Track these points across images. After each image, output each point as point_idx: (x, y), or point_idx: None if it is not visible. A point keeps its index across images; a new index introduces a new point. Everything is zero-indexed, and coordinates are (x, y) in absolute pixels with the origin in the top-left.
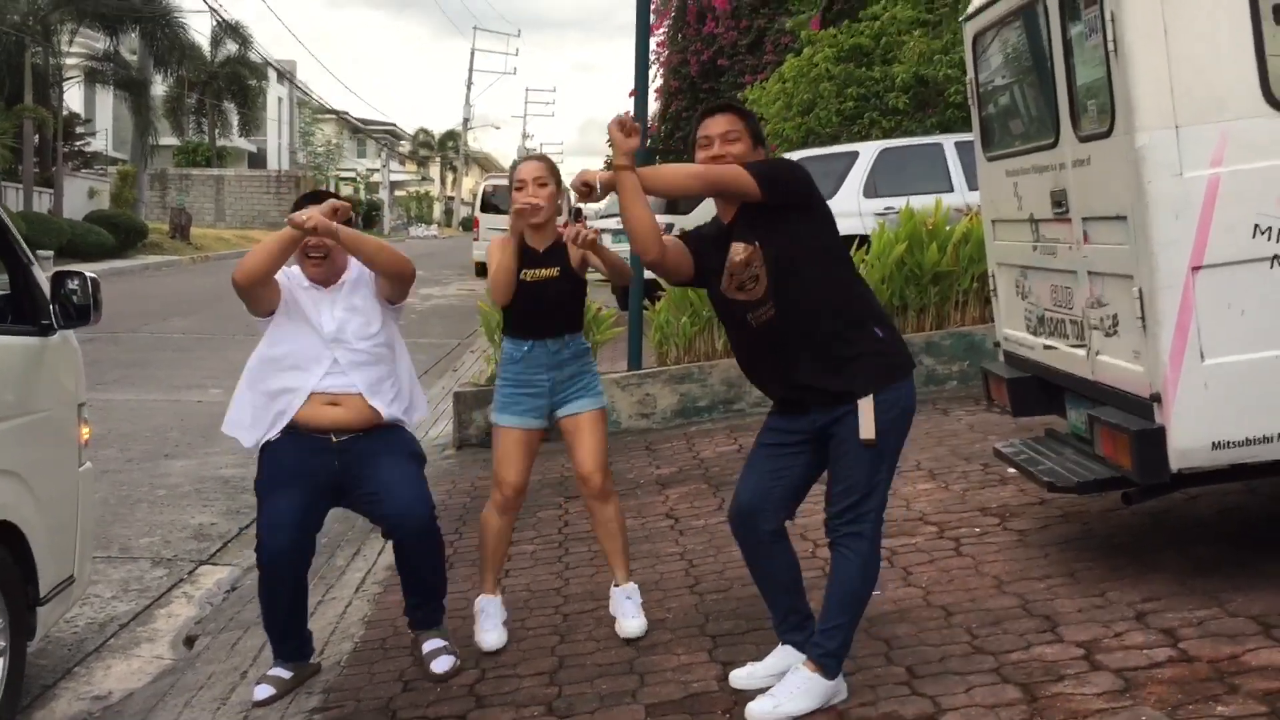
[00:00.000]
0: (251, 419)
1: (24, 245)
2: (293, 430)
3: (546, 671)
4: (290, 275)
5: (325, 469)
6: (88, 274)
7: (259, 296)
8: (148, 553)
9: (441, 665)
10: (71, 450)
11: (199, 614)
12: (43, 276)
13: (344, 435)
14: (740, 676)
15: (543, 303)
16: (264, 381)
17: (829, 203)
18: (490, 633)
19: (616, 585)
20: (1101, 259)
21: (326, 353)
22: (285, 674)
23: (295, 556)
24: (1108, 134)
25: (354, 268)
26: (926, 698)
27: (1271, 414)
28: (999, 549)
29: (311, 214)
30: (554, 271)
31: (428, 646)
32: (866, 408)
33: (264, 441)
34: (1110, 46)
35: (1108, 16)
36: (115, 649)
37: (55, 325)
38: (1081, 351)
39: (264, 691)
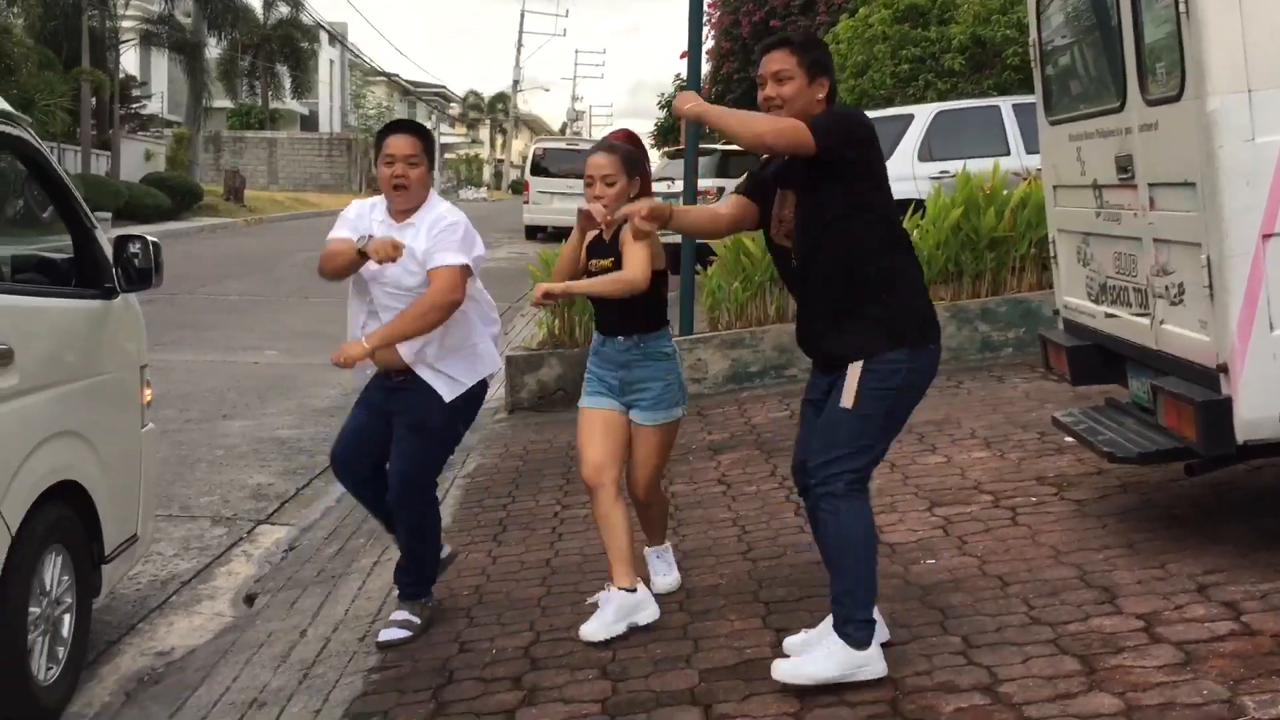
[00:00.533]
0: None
1: (87, 211)
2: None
3: None
4: (371, 210)
5: (382, 404)
6: (149, 238)
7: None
8: (207, 512)
9: (385, 634)
10: (135, 412)
11: (258, 572)
12: (105, 241)
13: (398, 375)
14: (794, 643)
15: (606, 299)
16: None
17: None
18: (657, 578)
19: (648, 546)
20: (1168, 226)
21: (367, 293)
22: (415, 618)
23: (349, 463)
24: (1177, 98)
25: (430, 212)
26: (983, 668)
27: None
28: (1056, 519)
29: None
30: (608, 263)
31: (392, 614)
32: (853, 373)
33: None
34: (1181, 7)
35: None
36: (177, 606)
37: (118, 289)
38: (1145, 320)
39: (394, 634)
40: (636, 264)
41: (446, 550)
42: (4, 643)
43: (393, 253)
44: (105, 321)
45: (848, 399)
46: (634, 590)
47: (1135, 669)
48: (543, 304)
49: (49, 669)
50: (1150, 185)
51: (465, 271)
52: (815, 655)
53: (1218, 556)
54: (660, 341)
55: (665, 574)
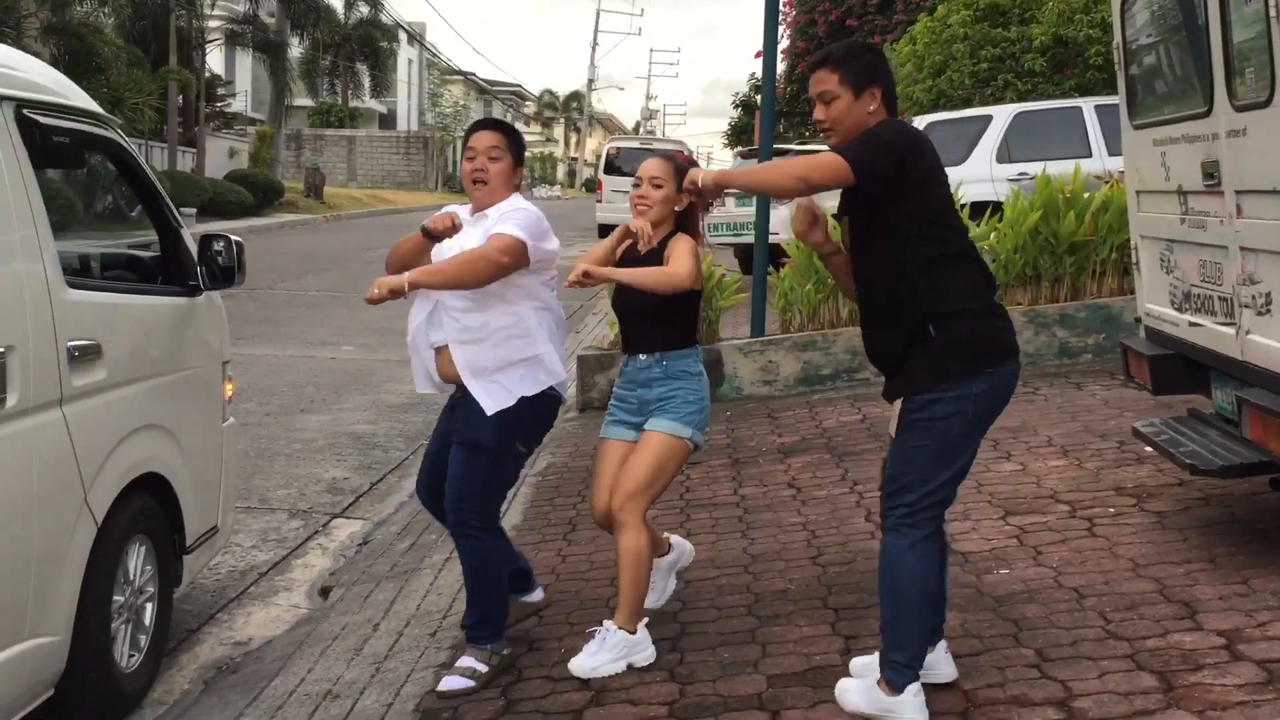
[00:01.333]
0: (421, 365)
1: (174, 210)
2: (439, 377)
3: (669, 638)
4: (458, 212)
5: (448, 421)
6: (233, 237)
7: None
8: (285, 504)
9: (446, 683)
10: (217, 406)
11: (333, 565)
12: (190, 239)
13: (457, 394)
14: (859, 665)
15: (633, 310)
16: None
17: (960, 168)
18: (581, 657)
19: (606, 621)
20: (1256, 234)
21: (430, 294)
22: (481, 666)
23: (428, 488)
24: (1267, 103)
25: (503, 206)
26: (1057, 682)
27: None
28: (1135, 531)
29: (439, 219)
30: None
31: (458, 661)
32: (896, 407)
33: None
34: (1272, 11)
35: None
36: (255, 597)
37: (202, 286)
38: (1230, 330)
39: (457, 683)
40: (683, 262)
41: (539, 594)
42: (89, 629)
43: (450, 221)
44: (189, 318)
45: (894, 428)
46: (634, 632)
47: (1215, 687)
48: (581, 284)
49: (131, 656)
50: (1237, 192)
51: (523, 245)
52: (863, 684)
53: None
54: (686, 361)
55: (587, 653)
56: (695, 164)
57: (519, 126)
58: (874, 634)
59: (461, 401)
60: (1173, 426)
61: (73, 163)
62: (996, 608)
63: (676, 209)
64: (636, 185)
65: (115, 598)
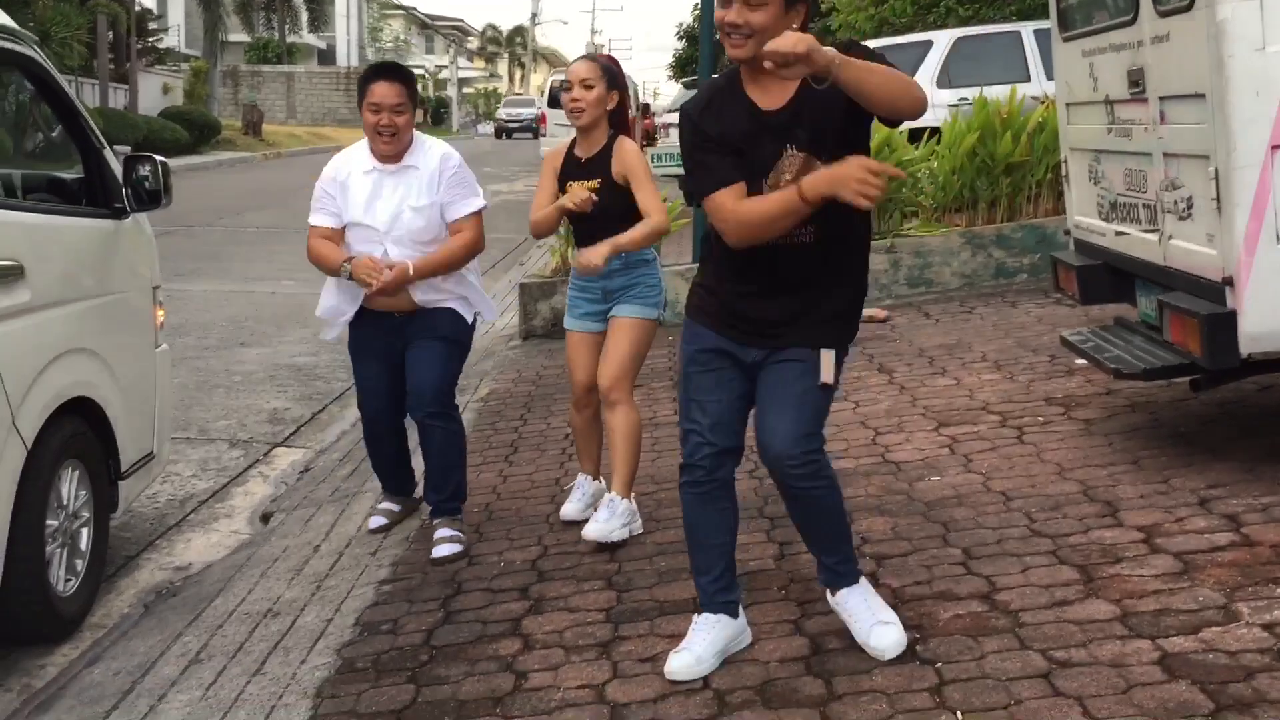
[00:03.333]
0: (337, 299)
1: (96, 130)
2: (365, 308)
3: (608, 549)
4: (348, 162)
5: (392, 344)
6: (158, 158)
7: None
8: (225, 435)
9: (441, 550)
10: (147, 331)
11: (274, 492)
12: (115, 161)
13: (404, 313)
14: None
15: (594, 226)
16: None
17: None
18: (570, 504)
19: (608, 492)
20: (1178, 139)
21: (379, 246)
22: (395, 507)
23: (388, 414)
24: (1189, 7)
25: (427, 159)
26: (982, 577)
27: None
28: (1062, 437)
29: (377, 276)
30: (594, 184)
31: (435, 533)
32: (826, 355)
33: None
34: None
35: None
36: (195, 524)
37: (128, 209)
38: (1154, 236)
39: (378, 521)
40: (657, 206)
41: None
42: (23, 553)
43: (375, 276)
44: (116, 241)
45: (827, 375)
46: (600, 481)
47: (1132, 577)
48: (582, 207)
49: (68, 580)
50: (1161, 99)
51: (479, 223)
52: (890, 616)
53: (1221, 471)
54: (640, 250)
55: (601, 519)
56: (616, 62)
57: (462, 62)
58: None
59: (408, 320)
60: (1099, 335)
61: None
62: (926, 512)
63: (608, 108)
64: (567, 89)
65: (49, 521)
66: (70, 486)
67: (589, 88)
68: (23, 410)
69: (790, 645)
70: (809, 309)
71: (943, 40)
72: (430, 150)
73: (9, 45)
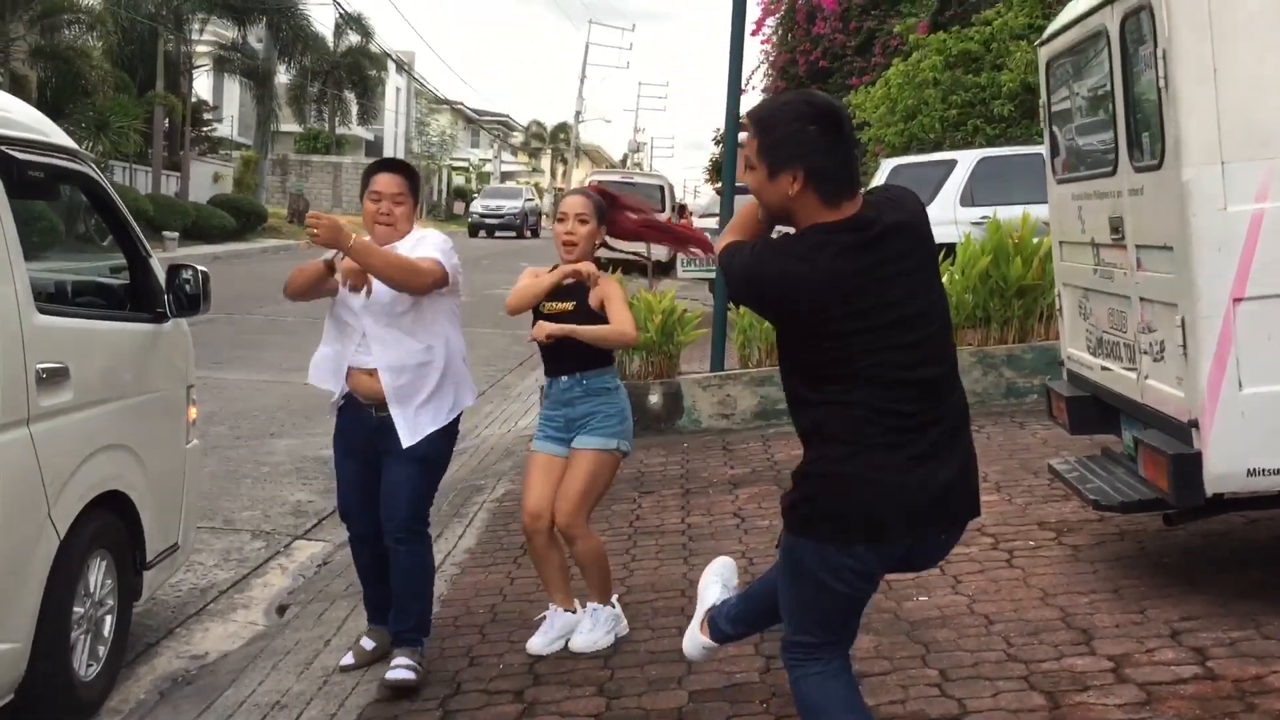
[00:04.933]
0: (330, 370)
1: (143, 240)
2: (349, 394)
3: (602, 655)
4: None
5: (369, 443)
6: (199, 268)
7: (314, 296)
8: (249, 525)
9: (395, 674)
10: (180, 428)
11: (292, 585)
12: (159, 268)
13: (383, 411)
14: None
15: (555, 343)
16: (328, 340)
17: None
18: (537, 637)
19: (582, 608)
20: (1151, 286)
21: (357, 325)
22: (369, 645)
23: (362, 514)
24: (1158, 166)
25: (410, 239)
26: (954, 699)
27: None
28: (1050, 562)
29: (351, 271)
30: (568, 306)
31: (393, 659)
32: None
33: (337, 399)
34: (1162, 82)
35: (1160, 54)
36: (214, 613)
37: (169, 314)
38: (1133, 375)
39: (348, 659)
40: (627, 319)
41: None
42: (49, 638)
43: (360, 281)
44: (156, 343)
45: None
46: (574, 612)
47: (1096, 706)
48: (541, 340)
49: (89, 666)
50: (1138, 247)
51: (443, 272)
52: None
53: (1197, 604)
54: (604, 378)
55: (585, 630)
56: (606, 193)
57: (506, 156)
58: None
59: (389, 423)
60: (1085, 465)
61: (47, 194)
62: (910, 631)
63: (598, 242)
64: (562, 221)
65: (75, 609)
66: (98, 575)
67: (584, 222)
68: (59, 503)
69: None
70: None
71: (967, 159)
72: (417, 231)
73: (70, 164)
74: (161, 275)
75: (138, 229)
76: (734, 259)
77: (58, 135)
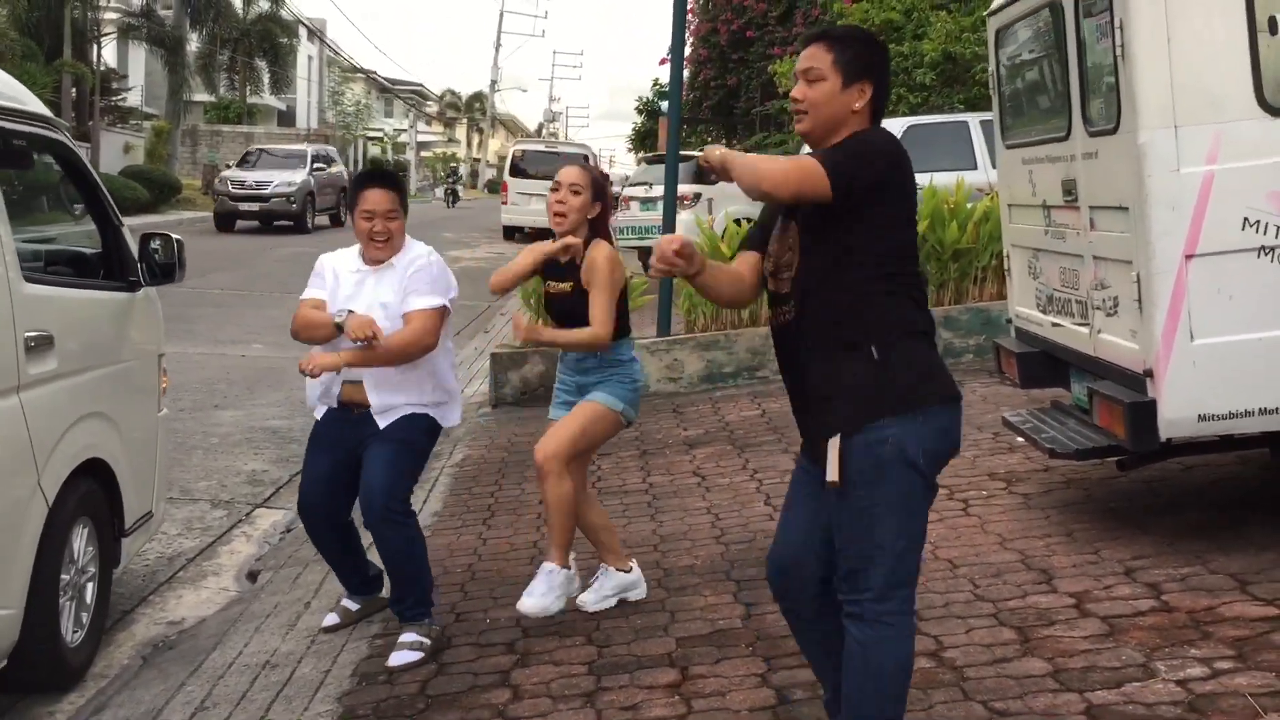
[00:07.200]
0: (321, 394)
1: (115, 209)
2: (338, 401)
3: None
4: (339, 260)
5: (352, 438)
6: (172, 235)
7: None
8: (206, 495)
9: (397, 659)
10: (153, 397)
11: (259, 551)
12: (130, 237)
13: (359, 410)
14: None
15: (560, 315)
16: None
17: None
18: (526, 598)
19: (545, 561)
20: (1105, 245)
21: (344, 341)
22: (353, 606)
23: (324, 508)
24: (1114, 130)
25: (406, 255)
26: (930, 637)
27: (1254, 390)
28: (1004, 510)
29: (368, 332)
30: (566, 287)
31: (399, 638)
32: (832, 448)
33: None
34: (1118, 50)
35: (1116, 22)
36: (184, 580)
37: (141, 282)
38: (1085, 329)
39: (331, 619)
40: (602, 319)
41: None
42: (40, 605)
43: (369, 332)
44: (130, 312)
45: (831, 473)
46: (628, 571)
47: (1064, 638)
48: (525, 340)
49: (74, 632)
50: (1091, 208)
51: (442, 313)
52: None
53: (1146, 545)
54: (619, 350)
55: (531, 593)
56: (606, 177)
57: (420, 126)
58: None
59: (367, 417)
60: (1037, 416)
61: (24, 163)
62: None
63: (590, 216)
64: (555, 189)
65: (62, 575)
66: (81, 543)
67: (576, 193)
68: (47, 470)
69: (758, 696)
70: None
71: (893, 127)
72: (411, 250)
73: (46, 132)
74: (134, 244)
75: (110, 197)
76: (847, 147)
77: (34, 103)
